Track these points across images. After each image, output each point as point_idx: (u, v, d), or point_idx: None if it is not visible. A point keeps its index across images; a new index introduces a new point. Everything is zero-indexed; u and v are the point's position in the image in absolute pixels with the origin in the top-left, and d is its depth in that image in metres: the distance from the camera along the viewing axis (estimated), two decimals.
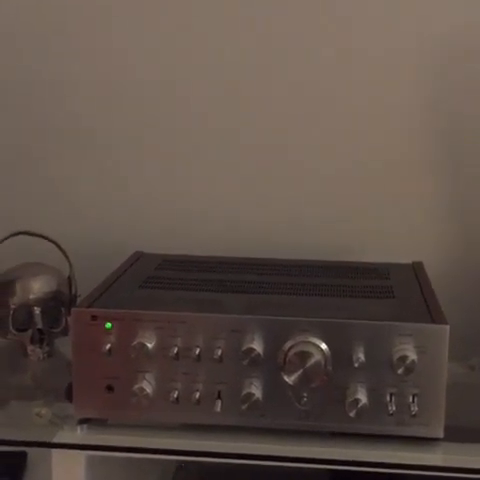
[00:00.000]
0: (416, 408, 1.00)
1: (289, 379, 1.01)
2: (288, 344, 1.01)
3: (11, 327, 1.28)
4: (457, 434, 1.04)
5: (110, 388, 1.05)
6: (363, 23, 1.38)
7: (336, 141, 1.42)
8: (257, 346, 1.01)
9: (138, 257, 1.33)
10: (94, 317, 1.04)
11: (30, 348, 1.27)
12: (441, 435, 1.02)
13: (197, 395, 1.03)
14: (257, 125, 1.43)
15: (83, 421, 1.07)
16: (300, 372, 1.01)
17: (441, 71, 1.38)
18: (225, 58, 1.42)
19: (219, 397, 1.03)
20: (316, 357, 1.00)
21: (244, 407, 1.02)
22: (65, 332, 1.29)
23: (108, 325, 1.04)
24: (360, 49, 1.39)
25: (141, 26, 1.43)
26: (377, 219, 1.43)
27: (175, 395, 1.03)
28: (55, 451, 1.06)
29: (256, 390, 1.02)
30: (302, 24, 1.39)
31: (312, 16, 1.39)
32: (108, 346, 1.03)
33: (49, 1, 1.44)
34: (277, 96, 1.42)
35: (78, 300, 1.27)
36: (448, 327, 1.01)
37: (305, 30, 1.39)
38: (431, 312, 1.06)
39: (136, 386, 1.03)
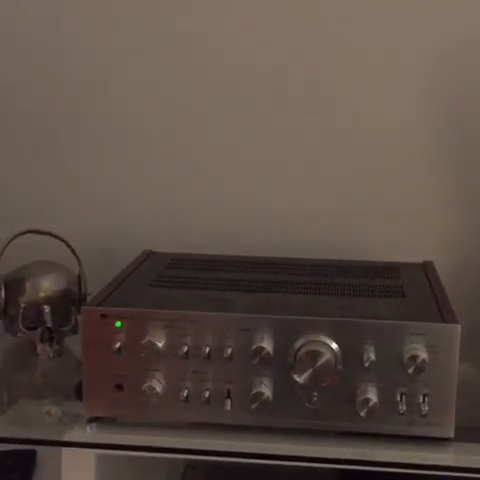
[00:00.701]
0: (427, 408, 1.00)
1: (299, 378, 1.01)
2: (298, 343, 1.01)
3: (21, 325, 1.28)
4: (468, 434, 1.04)
5: (119, 387, 1.05)
6: (364, 23, 1.38)
7: (349, 142, 1.42)
8: (267, 345, 1.01)
9: (147, 256, 1.33)
10: (104, 316, 1.04)
11: (40, 347, 1.27)
12: (452, 435, 1.01)
13: (207, 394, 1.03)
14: (262, 126, 1.43)
15: (92, 420, 1.07)
16: (310, 371, 1.01)
17: (444, 71, 1.37)
18: (225, 58, 1.42)
19: (229, 396, 1.03)
20: (326, 356, 1.00)
21: (254, 406, 1.02)
22: (75, 330, 1.29)
23: (118, 324, 1.04)
24: (362, 50, 1.38)
25: (141, 26, 1.43)
26: (388, 218, 1.43)
27: (185, 394, 1.03)
28: (64, 449, 1.06)
29: (266, 389, 1.02)
30: (302, 25, 1.39)
31: (312, 17, 1.39)
32: (118, 345, 1.03)
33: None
34: (278, 96, 1.42)
35: (88, 299, 1.27)
36: (459, 326, 1.00)
37: (306, 31, 1.39)
38: (442, 311, 1.06)
39: (145, 385, 1.03)
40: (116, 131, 1.47)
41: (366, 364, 1.00)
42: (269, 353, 1.01)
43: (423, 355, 0.99)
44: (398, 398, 1.00)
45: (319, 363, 1.00)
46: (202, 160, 1.46)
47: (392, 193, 1.43)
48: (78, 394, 1.08)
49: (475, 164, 1.41)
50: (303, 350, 1.00)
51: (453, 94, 1.38)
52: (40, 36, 1.44)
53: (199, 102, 1.44)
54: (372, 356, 1.00)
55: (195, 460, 1.35)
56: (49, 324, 1.27)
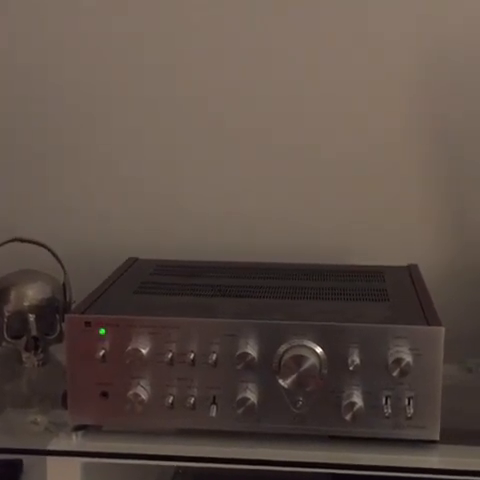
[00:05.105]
0: (412, 411, 1.00)
1: (284, 383, 1.01)
2: (283, 348, 1.01)
3: (6, 334, 1.28)
4: (453, 436, 1.04)
5: (105, 394, 1.04)
6: (363, 23, 1.38)
7: (333, 143, 1.42)
8: (252, 350, 1.01)
9: (132, 263, 1.33)
10: (88, 323, 1.04)
11: (25, 355, 1.27)
12: (437, 437, 1.02)
13: (192, 400, 1.03)
14: (256, 126, 1.43)
15: (78, 428, 1.07)
16: (295, 376, 1.00)
17: (441, 71, 1.38)
18: (225, 59, 1.42)
19: (214, 402, 1.03)
20: (311, 360, 1.00)
21: (239, 412, 1.02)
22: (60, 339, 1.29)
23: (102, 331, 1.03)
24: (361, 49, 1.39)
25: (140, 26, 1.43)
26: (372, 222, 1.43)
27: (170, 400, 1.03)
28: (50, 458, 1.06)
29: (251, 394, 1.02)
30: (302, 25, 1.40)
31: (313, 16, 1.39)
32: (102, 352, 1.03)
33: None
34: (275, 96, 1.42)
35: (73, 306, 1.27)
36: (443, 329, 1.01)
37: (305, 30, 1.39)
38: (426, 314, 1.06)
39: (131, 392, 1.03)
40: (99, 139, 1.47)
41: (351, 368, 1.00)
42: (254, 358, 1.01)
43: (407, 358, 0.99)
44: (383, 401, 1.00)
45: (304, 367, 1.00)
46: (186, 167, 1.46)
47: (377, 197, 1.43)
48: (65, 402, 1.08)
49: (461, 168, 1.41)
50: (288, 355, 1.00)
51: (445, 99, 1.39)
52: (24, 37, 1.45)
53: (196, 103, 1.43)
54: (357, 360, 1.00)
55: (184, 466, 1.34)
56: (34, 333, 1.27)
